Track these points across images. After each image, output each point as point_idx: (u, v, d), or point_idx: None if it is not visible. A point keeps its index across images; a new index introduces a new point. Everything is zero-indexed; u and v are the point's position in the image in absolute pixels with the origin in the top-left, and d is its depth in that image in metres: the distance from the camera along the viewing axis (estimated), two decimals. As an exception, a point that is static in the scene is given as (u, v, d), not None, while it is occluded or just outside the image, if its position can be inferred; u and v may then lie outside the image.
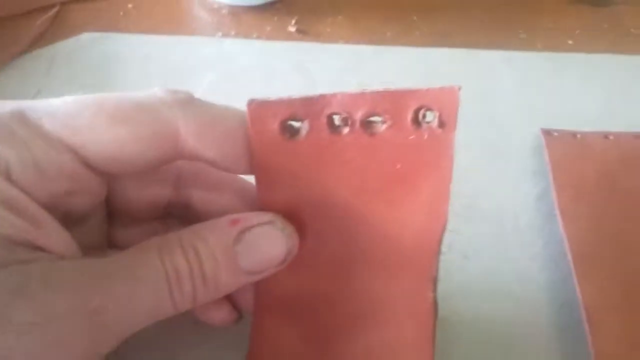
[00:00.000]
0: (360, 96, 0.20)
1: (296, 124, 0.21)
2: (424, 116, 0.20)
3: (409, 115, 0.20)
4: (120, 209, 0.24)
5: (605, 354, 0.26)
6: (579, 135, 0.33)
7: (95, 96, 0.20)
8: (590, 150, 0.32)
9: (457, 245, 0.30)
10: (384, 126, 0.20)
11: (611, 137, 0.33)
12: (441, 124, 0.20)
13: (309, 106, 0.20)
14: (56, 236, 0.19)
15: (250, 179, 0.23)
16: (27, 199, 0.19)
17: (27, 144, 0.19)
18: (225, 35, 0.39)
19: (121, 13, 0.40)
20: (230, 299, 0.25)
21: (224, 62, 0.37)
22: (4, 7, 0.39)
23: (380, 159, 0.21)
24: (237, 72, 0.37)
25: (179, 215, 0.25)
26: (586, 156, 0.32)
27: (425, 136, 0.20)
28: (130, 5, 0.40)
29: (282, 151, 0.21)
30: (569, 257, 0.28)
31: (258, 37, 0.39)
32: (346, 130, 0.20)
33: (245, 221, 0.21)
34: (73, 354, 0.18)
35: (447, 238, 0.30)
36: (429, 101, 0.20)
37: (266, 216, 0.21)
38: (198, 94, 0.21)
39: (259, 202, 0.22)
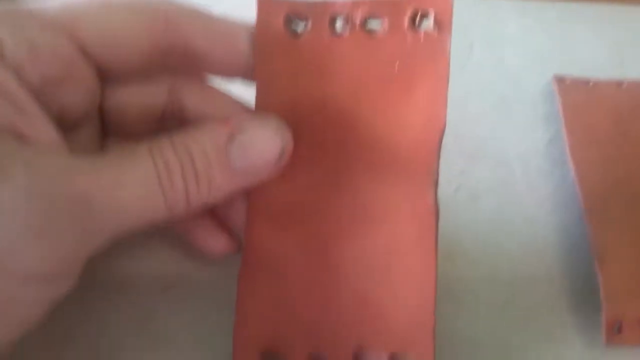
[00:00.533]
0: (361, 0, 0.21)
1: (300, 24, 0.21)
2: (421, 20, 0.21)
3: (406, 19, 0.21)
4: (114, 120, 0.23)
5: (615, 294, 0.25)
6: (591, 83, 0.32)
7: None
8: (602, 97, 0.32)
9: (466, 187, 0.29)
10: (382, 28, 0.21)
11: (624, 85, 0.32)
12: (437, 27, 0.21)
13: (313, 6, 0.21)
14: (43, 127, 0.19)
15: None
16: (16, 85, 0.18)
17: (22, 24, 0.18)
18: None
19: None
20: (226, 224, 0.24)
21: None
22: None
23: (378, 61, 0.21)
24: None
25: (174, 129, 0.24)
26: (599, 103, 0.31)
27: (422, 39, 0.21)
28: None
29: (284, 49, 0.21)
30: (580, 199, 0.28)
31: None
32: (347, 32, 0.21)
33: (237, 121, 0.20)
34: (59, 244, 0.18)
35: (455, 179, 0.30)
36: (425, 4, 0.21)
37: (259, 115, 0.21)
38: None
39: (256, 101, 0.22)
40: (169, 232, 0.26)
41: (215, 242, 0.25)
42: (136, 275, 0.26)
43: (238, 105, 0.24)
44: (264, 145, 0.21)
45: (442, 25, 0.21)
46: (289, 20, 0.21)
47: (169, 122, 0.24)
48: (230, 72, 0.23)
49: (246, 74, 0.22)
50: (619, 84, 0.32)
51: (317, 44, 0.21)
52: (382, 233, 0.22)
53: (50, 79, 0.19)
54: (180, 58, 0.22)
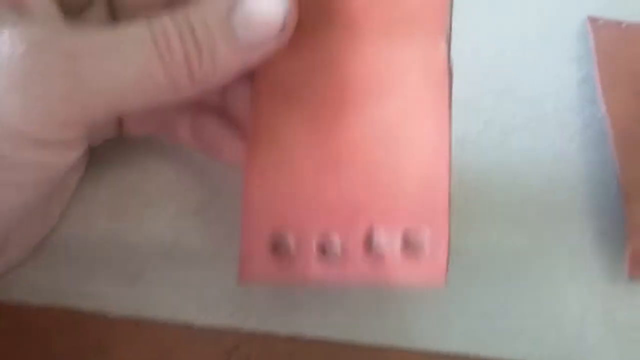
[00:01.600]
0: None
1: None
2: None
3: None
4: (121, 4, 0.23)
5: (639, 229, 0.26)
6: (624, 24, 0.32)
7: None
8: (635, 38, 0.31)
9: (496, 123, 0.30)
10: None
11: (658, 28, 0.32)
12: None
13: None
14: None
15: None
16: None
17: None
18: None
19: None
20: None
21: None
22: None
23: None
24: None
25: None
26: (631, 44, 0.31)
27: None
28: None
29: None
30: (610, 136, 0.28)
31: None
32: None
33: None
34: (46, 100, 0.18)
35: (485, 115, 0.30)
36: None
37: None
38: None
39: None
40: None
41: (233, 150, 0.25)
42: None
43: None
44: (267, 11, 0.20)
45: None
46: None
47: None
48: None
49: None
50: (652, 26, 0.32)
51: None
52: (394, 99, 0.21)
53: None
54: None
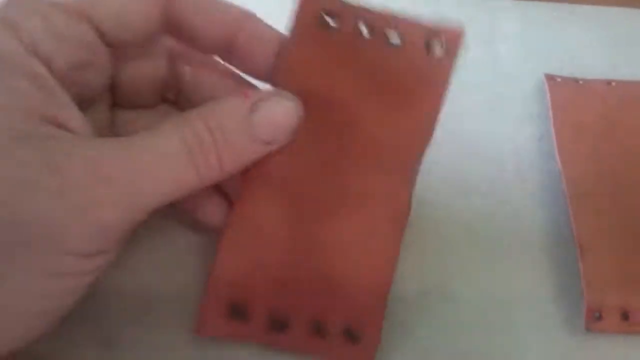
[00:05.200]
0: (389, 15, 0.24)
1: (330, 20, 0.24)
2: (434, 44, 0.24)
3: (422, 40, 0.24)
4: (123, 93, 0.25)
5: (595, 282, 0.27)
6: (581, 81, 0.34)
7: None
8: (591, 95, 0.33)
9: (458, 183, 0.31)
10: (400, 42, 0.24)
11: (613, 84, 0.33)
12: (446, 52, 0.24)
13: (346, 6, 0.24)
14: (74, 114, 0.20)
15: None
16: (50, 75, 0.19)
17: (49, 15, 0.20)
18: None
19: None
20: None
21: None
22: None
23: (391, 67, 0.24)
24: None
25: (175, 103, 0.26)
26: (587, 100, 0.33)
27: (432, 60, 0.24)
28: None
29: (315, 40, 0.24)
30: (566, 194, 0.29)
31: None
32: (369, 35, 0.24)
33: (255, 94, 0.22)
34: (100, 219, 0.19)
35: (447, 176, 0.31)
36: (439, 31, 0.24)
37: (275, 90, 0.23)
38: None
39: (276, 81, 0.24)
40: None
41: (214, 213, 0.26)
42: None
43: (235, 78, 0.25)
44: (284, 114, 0.22)
45: (451, 51, 0.24)
46: (322, 16, 0.24)
47: (170, 91, 0.26)
48: (220, 51, 0.24)
49: (232, 56, 0.24)
50: (607, 82, 0.33)
51: (342, 41, 0.24)
52: (358, 219, 0.24)
53: (75, 65, 0.20)
54: (176, 33, 0.24)
